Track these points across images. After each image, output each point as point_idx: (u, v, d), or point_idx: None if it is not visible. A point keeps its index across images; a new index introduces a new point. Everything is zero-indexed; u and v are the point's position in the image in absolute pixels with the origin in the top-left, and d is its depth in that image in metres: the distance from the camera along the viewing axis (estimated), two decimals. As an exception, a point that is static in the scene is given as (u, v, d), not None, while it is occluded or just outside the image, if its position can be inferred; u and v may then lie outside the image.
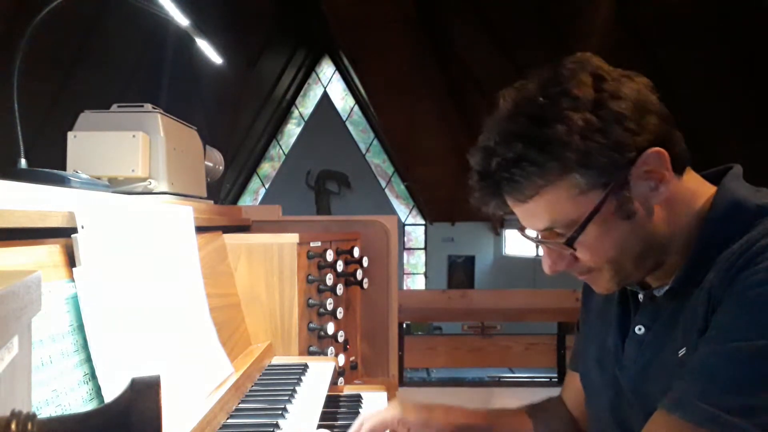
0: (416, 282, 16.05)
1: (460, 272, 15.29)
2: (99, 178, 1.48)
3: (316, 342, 1.87)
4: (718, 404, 0.86)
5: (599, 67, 1.01)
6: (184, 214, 1.40)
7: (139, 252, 1.12)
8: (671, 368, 0.99)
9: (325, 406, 1.41)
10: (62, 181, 1.26)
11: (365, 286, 2.19)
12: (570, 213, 0.99)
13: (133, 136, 1.56)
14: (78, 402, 0.85)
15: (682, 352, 0.98)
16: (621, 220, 0.99)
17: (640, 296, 1.12)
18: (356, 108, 16.12)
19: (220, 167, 2.16)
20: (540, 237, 1.05)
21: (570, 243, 1.00)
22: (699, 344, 0.93)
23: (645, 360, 1.06)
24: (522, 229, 1.10)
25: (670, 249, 1.03)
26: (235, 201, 15.32)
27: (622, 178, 0.97)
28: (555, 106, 0.96)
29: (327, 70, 16.23)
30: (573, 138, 0.94)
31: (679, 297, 1.02)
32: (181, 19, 2.34)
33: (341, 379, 1.91)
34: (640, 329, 1.09)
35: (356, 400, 1.65)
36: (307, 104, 16.36)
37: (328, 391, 1.50)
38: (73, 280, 0.91)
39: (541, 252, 1.09)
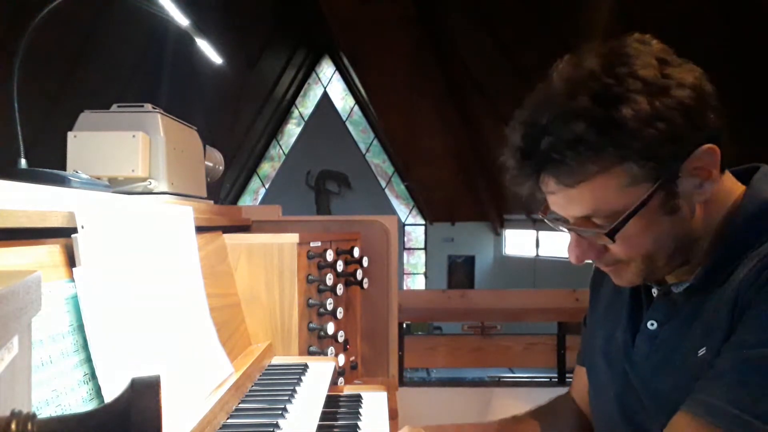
0: (416, 282, 16.05)
1: (460, 272, 15.30)
2: (99, 178, 1.47)
3: (316, 342, 1.87)
4: (749, 410, 0.85)
5: (662, 50, 0.96)
6: (184, 214, 1.40)
7: (139, 252, 1.12)
8: (687, 367, 0.97)
9: (325, 406, 1.41)
10: (62, 181, 1.26)
11: (365, 286, 2.19)
12: (614, 204, 0.95)
13: (133, 136, 1.56)
14: (78, 402, 0.85)
15: (702, 351, 0.96)
16: (664, 215, 0.95)
17: (654, 291, 1.09)
18: (356, 108, 16.13)
19: (220, 167, 2.16)
20: (574, 224, 1.00)
21: (612, 235, 0.96)
22: (726, 347, 0.91)
23: (659, 357, 1.04)
24: (545, 211, 1.04)
25: (699, 247, 1.01)
26: (235, 201, 15.32)
27: (674, 172, 0.93)
28: (621, 86, 0.90)
29: (327, 70, 16.24)
30: (638, 123, 0.89)
31: (699, 295, 1.00)
32: (181, 19, 2.34)
33: (341, 379, 1.91)
34: (652, 324, 1.07)
35: (356, 400, 1.65)
36: (307, 104, 16.37)
37: (328, 391, 1.50)
38: (73, 280, 0.91)
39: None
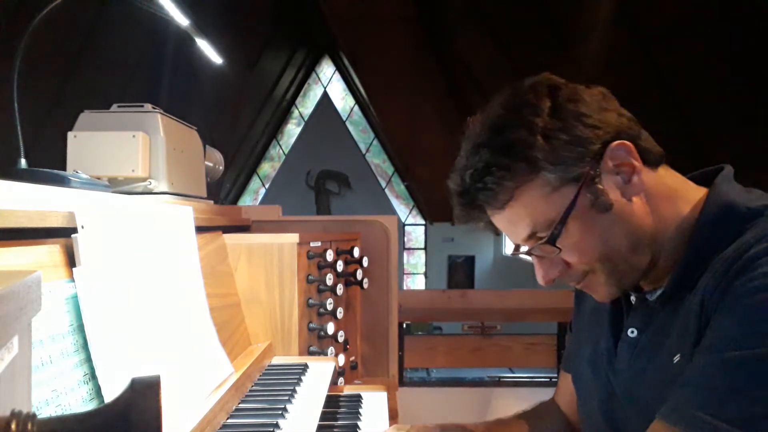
0: (416, 282, 16.04)
1: (460, 272, 15.29)
2: (99, 178, 1.48)
3: (316, 342, 1.87)
4: (718, 415, 0.85)
5: (556, 80, 1.06)
6: (184, 214, 1.40)
7: (139, 252, 1.12)
8: (666, 374, 0.98)
9: (325, 406, 1.41)
10: (62, 181, 1.26)
11: (365, 286, 2.19)
12: (547, 212, 1.01)
13: (133, 136, 1.56)
14: (78, 402, 0.85)
15: (676, 358, 0.97)
16: (599, 213, 1.00)
17: (632, 298, 1.11)
18: (356, 108, 16.11)
19: (220, 167, 2.16)
20: (527, 248, 1.06)
21: (552, 241, 1.01)
22: (696, 353, 0.93)
23: (639, 365, 1.06)
24: (516, 249, 1.10)
25: (661, 246, 1.03)
26: (235, 201, 15.31)
27: (592, 172, 0.99)
28: (515, 114, 1.02)
29: (327, 70, 16.23)
30: (536, 138, 0.98)
31: (672, 301, 1.02)
32: (181, 19, 2.34)
33: (341, 379, 1.91)
34: (632, 332, 1.08)
35: (356, 400, 1.65)
36: (307, 104, 16.35)
37: (328, 391, 1.50)
38: (73, 280, 0.91)
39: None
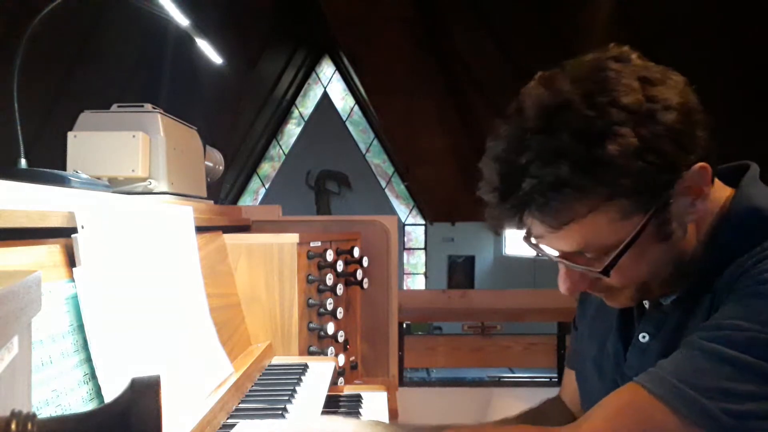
0: (416, 282, 16.03)
1: (460, 272, 15.28)
2: (99, 178, 1.47)
3: (316, 342, 1.87)
4: (687, 381, 0.85)
5: (643, 66, 0.91)
6: (184, 214, 1.40)
7: (139, 252, 1.12)
8: None
9: (325, 406, 1.41)
10: (62, 181, 1.26)
11: (365, 286, 2.19)
12: (606, 239, 0.90)
13: (133, 136, 1.56)
14: (78, 402, 0.85)
15: None
16: (658, 243, 0.92)
17: (646, 303, 1.08)
18: (356, 108, 16.11)
19: (220, 167, 2.16)
20: (563, 257, 0.96)
21: (606, 272, 0.92)
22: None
23: (650, 368, 1.03)
24: (527, 238, 0.99)
25: (693, 264, 0.98)
26: (235, 201, 15.31)
27: (666, 199, 0.89)
28: (603, 120, 0.84)
29: (327, 70, 16.23)
30: (627, 161, 0.83)
31: (687, 305, 0.99)
32: (181, 19, 2.34)
33: (341, 379, 1.91)
34: (644, 337, 1.05)
35: (356, 400, 1.65)
36: (307, 104, 16.35)
37: (328, 391, 1.50)
38: (73, 280, 0.91)
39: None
